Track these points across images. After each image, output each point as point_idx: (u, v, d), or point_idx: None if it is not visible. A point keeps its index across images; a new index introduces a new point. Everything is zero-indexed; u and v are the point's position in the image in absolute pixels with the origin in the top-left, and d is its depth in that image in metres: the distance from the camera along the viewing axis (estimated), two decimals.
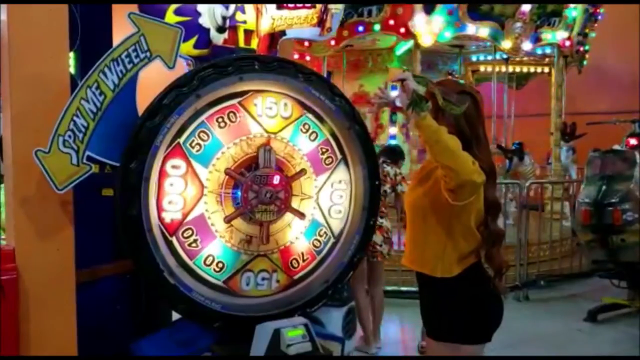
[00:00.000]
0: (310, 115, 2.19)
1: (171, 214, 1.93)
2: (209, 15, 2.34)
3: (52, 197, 1.87)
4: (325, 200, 2.24)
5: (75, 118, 1.82)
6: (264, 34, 2.49)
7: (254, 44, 2.46)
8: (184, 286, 1.95)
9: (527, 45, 7.34)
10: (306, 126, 2.20)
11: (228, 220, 2.03)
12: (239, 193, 2.04)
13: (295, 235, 2.20)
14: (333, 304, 2.74)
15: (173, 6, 2.26)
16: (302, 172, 2.18)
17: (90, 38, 2.18)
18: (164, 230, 1.92)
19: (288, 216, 2.16)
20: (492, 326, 1.93)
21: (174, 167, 1.93)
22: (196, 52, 2.35)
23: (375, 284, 4.30)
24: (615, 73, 10.61)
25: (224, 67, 1.95)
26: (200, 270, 1.99)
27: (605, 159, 4.95)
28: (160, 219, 1.90)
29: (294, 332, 1.93)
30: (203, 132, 1.99)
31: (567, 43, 7.81)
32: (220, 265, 2.02)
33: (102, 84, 1.86)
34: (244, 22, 2.41)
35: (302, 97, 2.16)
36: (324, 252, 2.23)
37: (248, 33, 2.43)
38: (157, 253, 1.89)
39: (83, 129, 1.84)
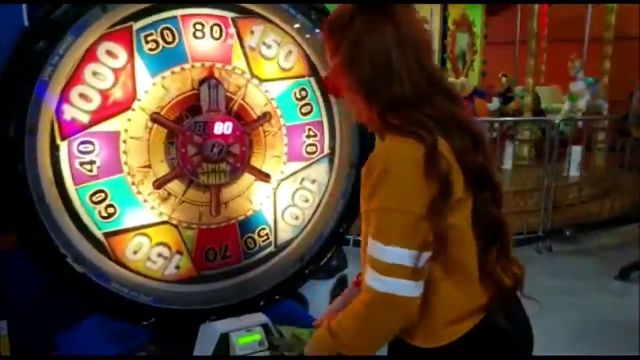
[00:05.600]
0: (313, 82, 1.71)
1: (76, 112, 1.41)
2: None
3: None
4: (285, 197, 1.73)
5: None
6: None
7: None
8: (99, 275, 1.45)
9: None
10: (303, 93, 1.71)
11: (159, 185, 1.51)
12: (175, 148, 1.50)
13: (258, 205, 1.68)
14: (319, 275, 2.26)
15: None
16: (266, 116, 1.62)
17: None
18: (56, 130, 1.39)
19: (247, 179, 1.64)
20: None
21: (109, 53, 1.43)
22: None
23: None
24: None
25: None
26: (82, 205, 1.45)
27: None
28: (59, 112, 1.38)
29: (247, 339, 1.45)
30: (169, 30, 1.49)
31: None
32: (110, 210, 1.48)
33: None
34: None
35: (264, 8, 1.59)
36: (253, 259, 1.71)
37: None
38: (56, 231, 1.39)
39: None
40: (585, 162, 6.50)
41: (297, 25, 1.63)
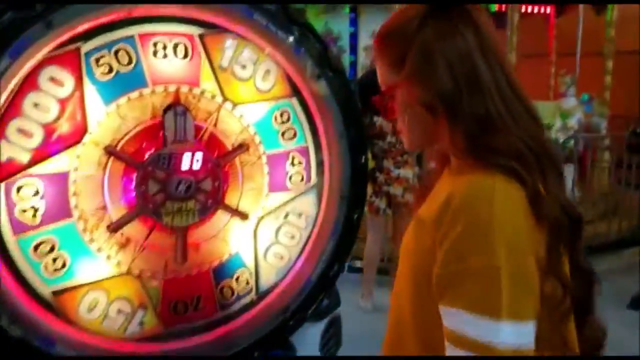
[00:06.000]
0: (295, 103, 1.50)
1: (13, 150, 1.18)
2: None
3: None
4: (267, 234, 1.52)
5: None
6: None
7: None
8: (40, 338, 1.23)
9: None
10: (284, 116, 1.50)
11: (114, 229, 1.30)
12: (134, 186, 1.30)
13: (235, 246, 1.47)
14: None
15: None
16: (243, 146, 1.43)
17: None
18: None
19: (220, 218, 1.43)
20: None
21: (53, 80, 1.21)
22: None
23: (400, 231, 4.17)
24: None
25: None
26: (23, 258, 1.21)
27: None
28: None
29: None
30: (124, 51, 1.28)
31: None
32: (59, 263, 1.25)
33: None
34: None
35: (238, 25, 1.40)
36: (231, 310, 1.49)
37: None
38: None
39: None
40: (589, 180, 6.31)
41: (289, 41, 1.42)
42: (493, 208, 0.80)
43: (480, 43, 0.91)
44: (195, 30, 1.34)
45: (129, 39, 1.28)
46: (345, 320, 2.34)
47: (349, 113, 1.49)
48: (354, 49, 8.14)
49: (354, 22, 8.23)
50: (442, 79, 0.89)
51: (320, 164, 1.55)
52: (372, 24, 8.00)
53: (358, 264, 4.40)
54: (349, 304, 3.96)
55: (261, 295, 1.52)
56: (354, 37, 8.23)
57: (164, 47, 1.32)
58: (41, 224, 1.23)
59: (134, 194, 1.31)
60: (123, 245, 1.32)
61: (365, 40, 8.16)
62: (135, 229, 1.33)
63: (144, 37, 1.29)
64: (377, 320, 3.98)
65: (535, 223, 0.81)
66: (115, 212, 1.30)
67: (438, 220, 0.84)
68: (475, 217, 0.80)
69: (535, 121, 0.92)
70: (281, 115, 1.50)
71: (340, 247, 1.55)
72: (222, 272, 1.47)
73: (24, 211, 1.21)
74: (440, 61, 0.89)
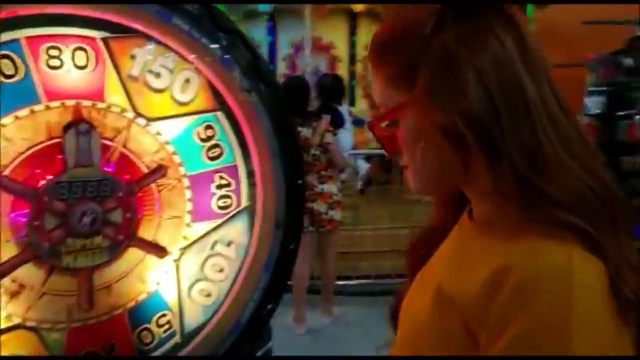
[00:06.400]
0: (222, 117, 1.32)
1: None
2: None
3: None
4: (191, 269, 1.33)
5: None
6: None
7: None
8: None
9: None
10: (209, 132, 1.31)
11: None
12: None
13: (153, 285, 1.26)
14: None
15: None
16: (160, 169, 1.23)
17: None
18: None
19: (134, 253, 1.22)
20: None
21: None
22: None
23: (327, 248, 4.09)
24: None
25: None
26: None
27: (614, 62, 4.04)
28: None
29: None
30: (8, 58, 1.05)
31: None
32: None
33: None
34: None
35: (153, 29, 1.20)
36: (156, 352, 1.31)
37: None
38: None
39: None
40: None
41: (215, 48, 1.25)
42: (572, 297, 0.58)
43: (523, 52, 0.69)
44: (97, 34, 1.14)
45: (14, 44, 1.05)
46: (279, 346, 2.18)
47: (282, 129, 1.34)
48: (272, 58, 8.02)
49: (272, 31, 8.11)
50: (472, 95, 0.66)
51: (251, 185, 1.38)
52: (290, 33, 7.97)
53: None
54: (281, 326, 3.82)
55: (187, 338, 1.33)
56: (272, 46, 8.13)
57: (60, 54, 1.10)
58: None
59: (26, 231, 1.08)
60: (15, 294, 1.09)
61: (284, 49, 8.10)
62: (29, 273, 1.10)
63: (33, 41, 1.07)
64: (311, 343, 3.89)
65: (615, 307, 0.60)
66: (4, 253, 1.07)
67: (482, 301, 0.62)
68: (549, 308, 0.58)
69: (594, 155, 0.70)
70: (205, 130, 1.32)
71: (275, 281, 1.39)
72: (139, 314, 1.26)
73: None
74: (470, 72, 0.65)
